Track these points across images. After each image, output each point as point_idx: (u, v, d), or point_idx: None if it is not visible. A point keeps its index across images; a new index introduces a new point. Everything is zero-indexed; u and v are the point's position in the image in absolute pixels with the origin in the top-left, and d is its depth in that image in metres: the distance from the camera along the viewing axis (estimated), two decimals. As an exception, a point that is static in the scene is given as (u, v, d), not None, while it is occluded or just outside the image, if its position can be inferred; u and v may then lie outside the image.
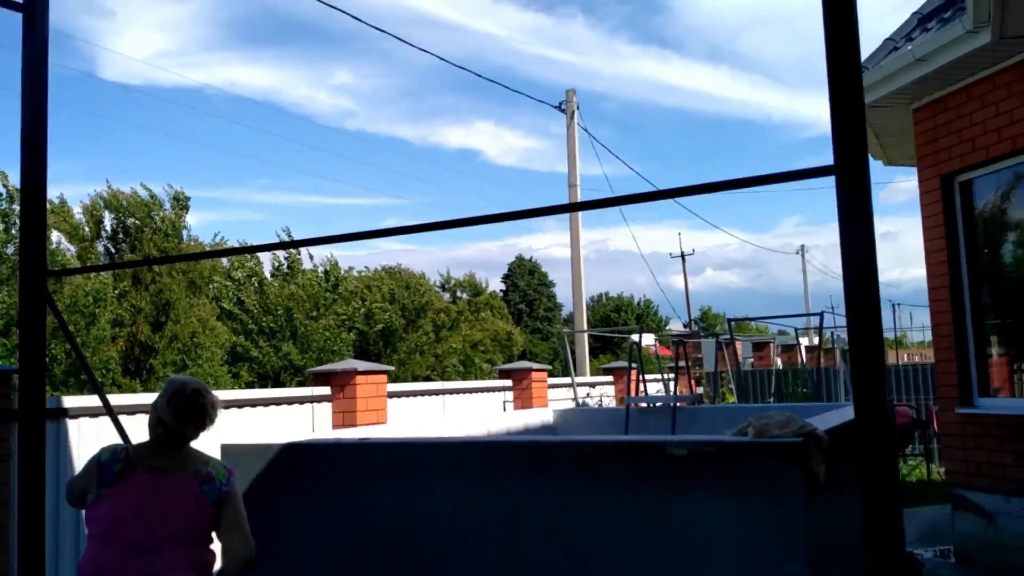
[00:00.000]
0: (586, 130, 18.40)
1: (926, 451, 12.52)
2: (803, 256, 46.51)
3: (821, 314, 8.37)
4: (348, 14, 18.03)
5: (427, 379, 28.79)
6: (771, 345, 19.73)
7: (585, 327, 17.41)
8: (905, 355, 30.50)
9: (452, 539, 3.87)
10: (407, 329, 29.93)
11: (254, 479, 4.33)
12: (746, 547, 3.40)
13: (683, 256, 43.26)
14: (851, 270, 2.52)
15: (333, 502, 4.16)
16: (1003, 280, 7.37)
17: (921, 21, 7.89)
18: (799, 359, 25.82)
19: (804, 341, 30.58)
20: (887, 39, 8.25)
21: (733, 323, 9.78)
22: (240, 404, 6.88)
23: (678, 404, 7.00)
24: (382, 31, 16.87)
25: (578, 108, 17.97)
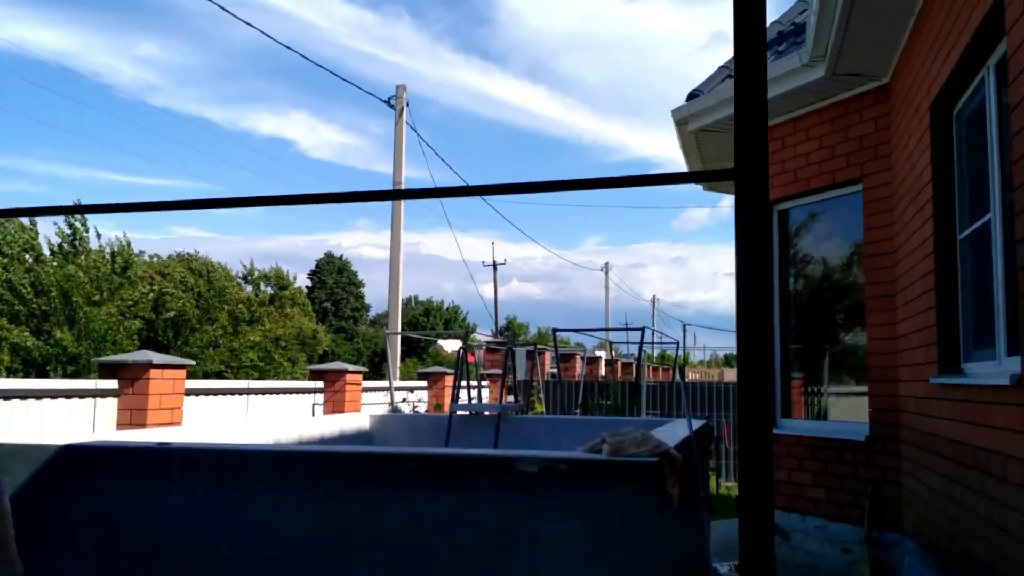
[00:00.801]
0: (414, 129, 17.99)
1: (716, 466, 13.16)
2: (607, 273, 48.48)
3: (643, 330, 8.50)
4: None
5: (220, 375, 27.03)
6: (577, 357, 20.16)
7: (399, 329, 16.93)
8: (689, 373, 32.39)
9: (277, 565, 3.36)
10: (202, 321, 27.98)
11: (20, 488, 3.58)
12: (598, 568, 3.16)
13: (495, 265, 43.78)
14: (743, 278, 2.19)
15: (120, 517, 3.51)
16: (807, 307, 7.75)
17: (754, 53, 8.19)
18: (600, 372, 26.69)
19: (603, 355, 31.79)
20: (722, 66, 8.53)
21: (557, 334, 9.74)
22: (5, 395, 5.87)
23: (504, 413, 6.76)
24: (218, 4, 15.28)
25: (407, 105, 17.52)
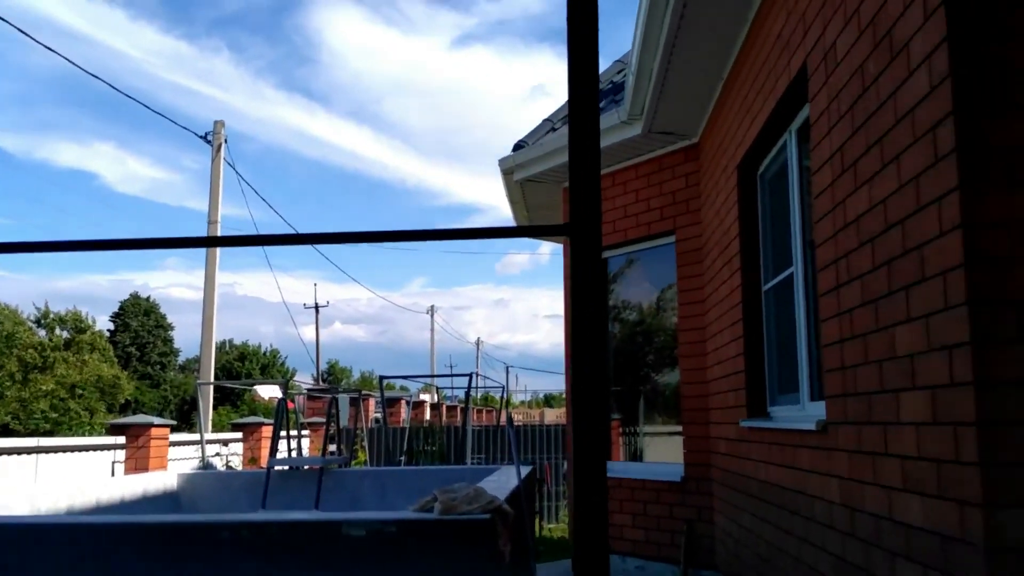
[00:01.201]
0: (233, 166, 17.26)
1: (539, 508, 13.28)
2: (432, 316, 48.41)
3: (471, 375, 8.48)
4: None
5: (7, 429, 24.40)
6: (403, 402, 19.86)
7: (212, 376, 16.01)
8: (513, 415, 32.81)
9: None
10: (-15, 369, 25.27)
11: None
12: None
13: (317, 307, 42.62)
14: (580, 330, 2.22)
15: None
16: (623, 351, 8.04)
17: (576, 107, 8.51)
18: (425, 416, 26.42)
19: (428, 398, 31.55)
20: (545, 120, 8.78)
21: (384, 380, 9.52)
22: None
23: (327, 467, 6.46)
24: (18, 28, 14.02)
25: (226, 142, 16.81)
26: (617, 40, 18.64)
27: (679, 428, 7.10)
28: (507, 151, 8.55)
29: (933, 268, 2.56)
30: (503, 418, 13.89)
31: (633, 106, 6.62)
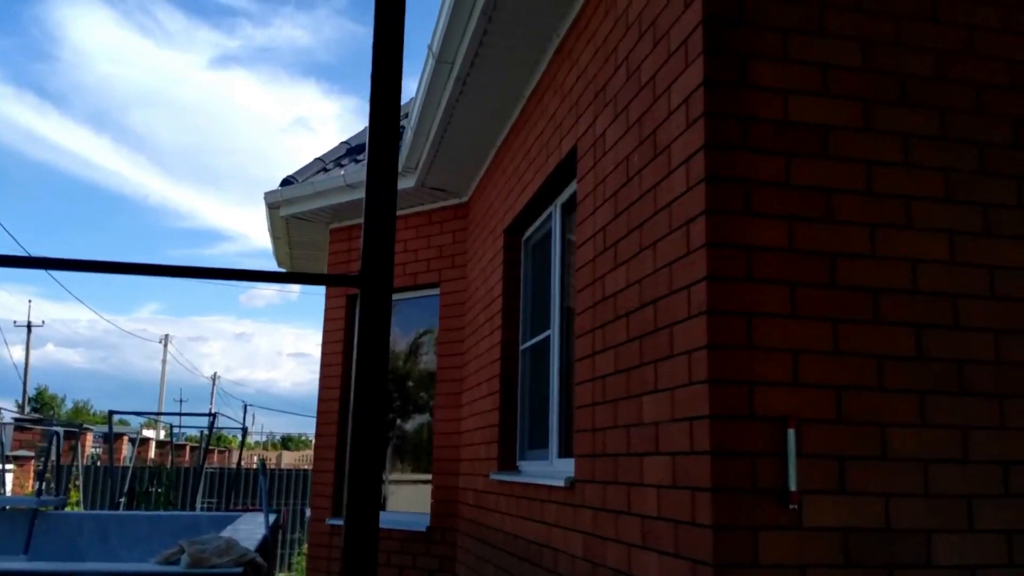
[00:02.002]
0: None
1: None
2: (166, 346, 45.13)
3: (215, 415, 8.04)
4: None
5: None
6: (126, 438, 18.28)
7: None
8: (255, 456, 31.27)
9: None
10: None
11: None
12: None
13: (30, 326, 38.21)
14: (364, 378, 2.38)
15: None
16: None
17: (351, 152, 8.53)
18: (150, 455, 24.46)
19: (153, 434, 29.21)
20: (317, 159, 8.69)
21: (113, 415, 8.73)
22: None
23: (40, 509, 5.81)
24: None
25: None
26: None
27: (427, 477, 7.20)
28: (263, 179, 8.58)
29: (681, 346, 2.88)
30: (238, 459, 13.18)
31: (408, 160, 6.77)
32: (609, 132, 3.85)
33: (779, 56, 2.95)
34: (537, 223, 5.55)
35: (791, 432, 2.64)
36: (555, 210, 5.12)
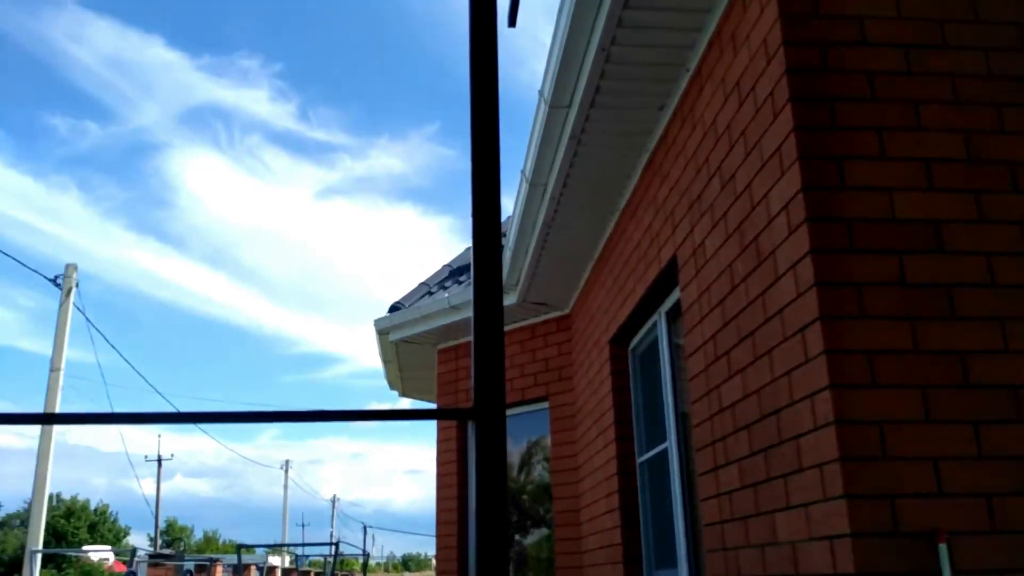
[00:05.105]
0: (82, 311, 16.39)
1: None
2: (287, 472, 46.17)
3: (336, 544, 8.12)
4: None
5: None
6: (253, 568, 18.56)
7: (42, 535, 14.50)
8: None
9: None
10: None
11: None
12: None
13: (160, 460, 39.85)
14: (483, 509, 2.34)
15: None
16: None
17: (453, 274, 8.76)
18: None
19: (277, 561, 29.58)
20: (422, 283, 8.96)
21: (241, 549, 8.93)
22: None
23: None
24: None
25: (77, 286, 16.04)
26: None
27: (552, 597, 6.99)
28: (367, 302, 8.87)
29: (810, 459, 2.76)
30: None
31: (509, 277, 6.89)
32: (708, 241, 3.84)
33: (876, 155, 2.91)
34: (642, 332, 5.51)
35: (943, 547, 2.47)
36: (660, 318, 5.08)
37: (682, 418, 4.75)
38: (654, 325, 5.24)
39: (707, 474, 3.82)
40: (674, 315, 4.89)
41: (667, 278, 4.65)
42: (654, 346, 5.28)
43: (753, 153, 3.31)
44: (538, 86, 4.76)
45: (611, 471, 5.75)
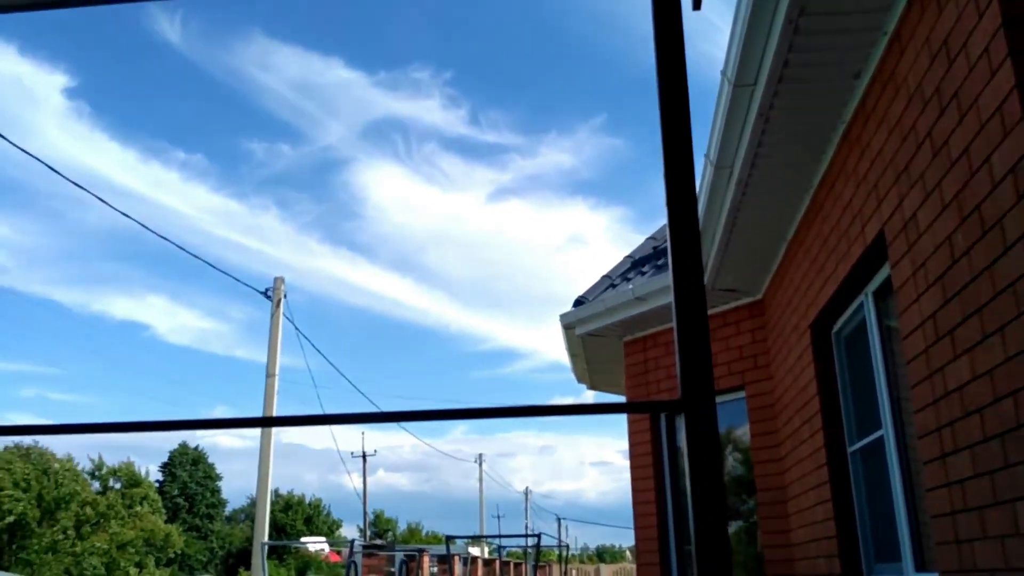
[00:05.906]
0: (291, 320, 17.71)
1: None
2: (480, 465, 47.70)
3: (539, 536, 8.30)
4: (47, 164, 16.26)
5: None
6: (457, 558, 19.32)
7: (267, 529, 15.82)
8: (573, 572, 31.59)
9: None
10: (42, 522, 25.29)
11: None
12: None
13: (364, 456, 42.35)
14: (701, 504, 2.25)
15: None
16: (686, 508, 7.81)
17: (635, 265, 8.70)
18: (479, 572, 25.55)
19: (477, 552, 30.60)
20: (604, 276, 8.96)
21: (449, 539, 9.34)
22: None
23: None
24: (78, 185, 15.50)
25: (285, 297, 17.35)
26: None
27: (760, 592, 6.79)
28: (546, 297, 8.80)
29: (1058, 447, 2.51)
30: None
31: (698, 265, 6.74)
32: (921, 213, 3.58)
33: (1124, 103, 2.60)
34: (847, 314, 5.22)
35: None
36: (867, 299, 4.80)
37: (898, 403, 4.46)
38: (860, 306, 4.95)
39: (934, 462, 3.56)
40: (883, 295, 4.59)
41: (874, 256, 4.38)
42: (861, 329, 4.98)
43: (968, 116, 3.05)
44: (717, 67, 4.62)
45: (820, 461, 5.50)
